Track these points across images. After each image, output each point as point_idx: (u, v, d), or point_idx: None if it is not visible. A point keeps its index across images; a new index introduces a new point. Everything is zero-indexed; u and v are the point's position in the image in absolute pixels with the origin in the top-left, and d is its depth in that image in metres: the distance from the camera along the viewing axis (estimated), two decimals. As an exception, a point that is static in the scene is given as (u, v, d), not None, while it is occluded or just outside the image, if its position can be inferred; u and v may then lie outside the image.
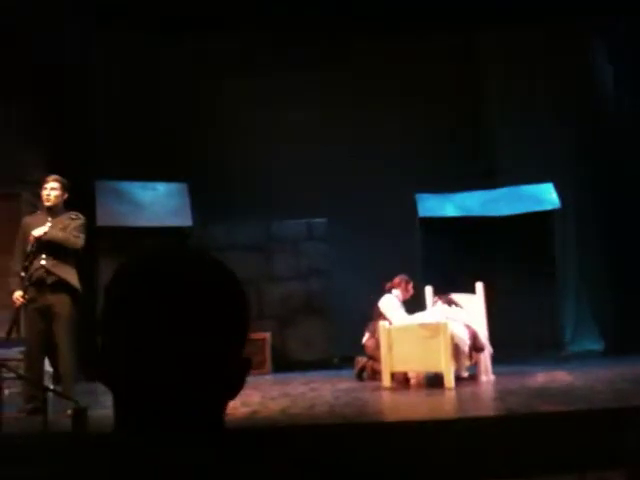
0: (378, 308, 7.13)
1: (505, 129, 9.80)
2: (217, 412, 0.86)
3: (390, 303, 7.11)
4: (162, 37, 9.03)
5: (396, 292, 7.23)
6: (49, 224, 5.40)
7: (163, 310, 0.83)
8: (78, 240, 5.44)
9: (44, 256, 5.32)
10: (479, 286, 6.90)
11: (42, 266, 5.31)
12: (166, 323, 0.83)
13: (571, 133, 9.54)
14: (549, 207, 9.19)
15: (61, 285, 5.31)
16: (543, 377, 6.49)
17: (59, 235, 5.38)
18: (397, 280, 7.30)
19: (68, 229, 5.43)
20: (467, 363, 6.57)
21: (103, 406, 5.41)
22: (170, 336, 0.82)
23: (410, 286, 7.36)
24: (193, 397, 0.83)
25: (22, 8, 7.81)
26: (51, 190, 5.49)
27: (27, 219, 5.67)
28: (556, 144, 9.52)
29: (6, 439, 3.76)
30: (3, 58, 7.80)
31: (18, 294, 5.33)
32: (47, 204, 5.48)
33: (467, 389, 6.08)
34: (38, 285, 5.29)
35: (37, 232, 5.33)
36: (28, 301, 5.30)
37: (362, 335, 7.31)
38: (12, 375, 5.02)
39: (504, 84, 9.83)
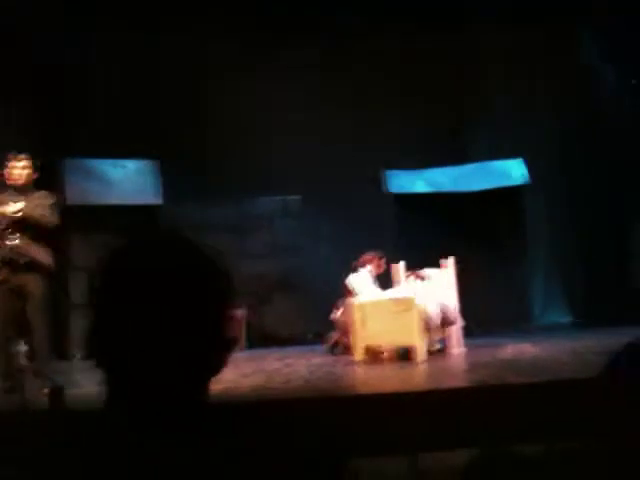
0: (346, 285, 7.23)
1: (479, 105, 9.80)
2: (201, 389, 0.90)
3: (357, 280, 7.19)
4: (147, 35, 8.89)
5: (368, 268, 7.31)
6: (22, 202, 5.32)
7: (149, 293, 0.87)
8: (53, 219, 5.39)
9: (16, 235, 5.26)
10: (450, 261, 7.00)
11: (15, 245, 5.25)
12: (152, 305, 0.86)
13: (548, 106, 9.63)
14: (519, 182, 9.31)
15: (34, 264, 5.27)
16: (512, 349, 6.63)
17: (35, 213, 5.32)
18: (368, 257, 7.37)
19: (40, 208, 5.37)
20: (439, 336, 6.68)
21: (77, 385, 5.42)
22: (156, 316, 0.85)
23: (382, 261, 7.44)
24: (179, 373, 0.87)
25: (22, 8, 7.67)
26: (22, 169, 5.40)
27: None
28: (529, 118, 9.59)
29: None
30: (3, 57, 7.67)
31: None
32: (18, 182, 5.38)
33: (438, 362, 6.19)
34: (10, 265, 5.24)
35: (12, 208, 5.25)
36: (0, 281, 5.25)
37: (331, 312, 7.40)
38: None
39: (482, 61, 9.82)
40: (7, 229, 5.23)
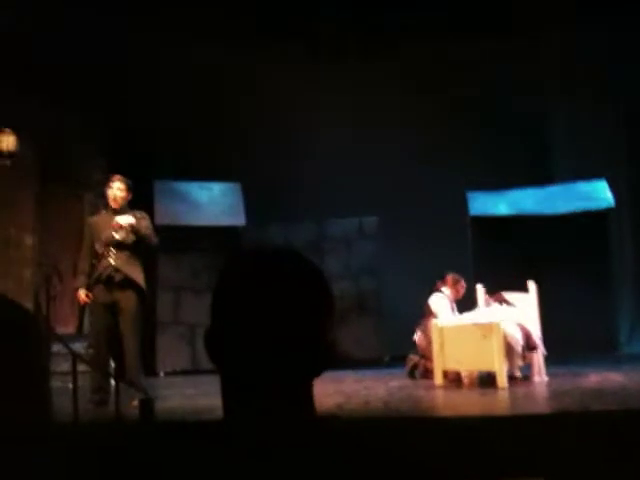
0: (429, 306, 7.19)
1: (560, 128, 9.70)
2: (308, 388, 0.99)
3: (439, 302, 7.15)
4: (220, 41, 9.23)
5: (446, 291, 7.27)
6: (128, 219, 5.57)
7: (266, 298, 0.97)
8: (155, 238, 5.66)
9: (113, 255, 5.52)
10: (532, 285, 6.88)
11: (111, 265, 5.51)
12: (268, 309, 0.96)
13: (629, 132, 9.40)
14: (604, 205, 9.08)
15: (128, 282, 5.51)
16: (596, 378, 6.45)
17: (144, 230, 5.57)
18: (448, 279, 7.33)
19: (144, 227, 5.62)
20: (520, 363, 6.56)
21: (165, 399, 5.64)
22: (271, 319, 0.96)
23: (460, 286, 7.36)
24: (289, 373, 0.96)
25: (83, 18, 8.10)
26: (117, 190, 5.66)
27: (93, 219, 5.86)
28: (613, 140, 9.39)
29: (83, 429, 3.97)
30: (57, 63, 8.08)
31: (82, 292, 5.54)
32: (114, 205, 5.65)
33: (520, 389, 6.08)
34: (106, 283, 5.50)
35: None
36: (95, 298, 5.52)
37: (413, 333, 7.36)
38: (85, 368, 5.27)
39: (562, 84, 9.72)
40: (109, 247, 5.50)
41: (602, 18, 9.01)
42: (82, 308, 5.80)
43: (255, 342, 0.96)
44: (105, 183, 5.87)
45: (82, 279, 5.61)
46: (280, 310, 0.97)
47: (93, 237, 5.62)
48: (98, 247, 5.55)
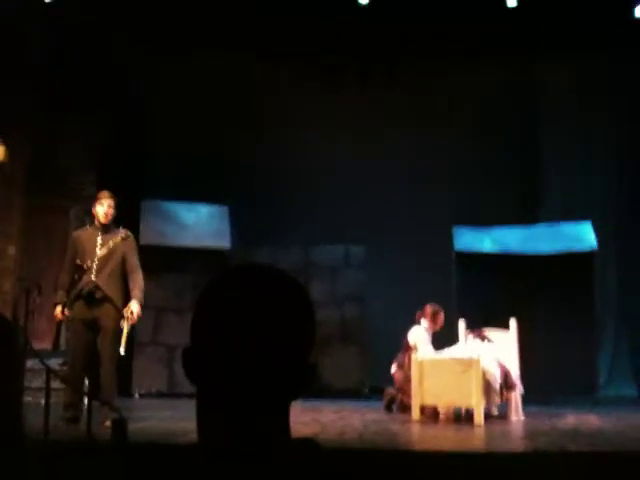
0: (407, 339, 7.16)
1: (550, 165, 9.81)
2: (284, 410, 0.99)
3: (417, 335, 7.12)
4: (214, 61, 9.29)
5: (424, 323, 7.22)
6: (113, 241, 5.56)
7: (248, 315, 0.96)
8: (141, 275, 5.64)
9: (95, 271, 5.49)
10: (512, 323, 6.90)
11: (92, 281, 5.48)
12: (249, 326, 0.95)
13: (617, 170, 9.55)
14: (588, 247, 9.15)
15: (108, 300, 5.48)
16: (573, 419, 6.45)
17: (130, 255, 5.60)
18: (427, 310, 7.28)
19: (125, 255, 5.59)
20: (497, 401, 6.55)
21: (139, 420, 5.57)
22: (252, 337, 0.95)
23: (439, 317, 7.30)
24: (268, 394, 0.95)
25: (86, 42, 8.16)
26: (108, 207, 5.63)
27: (77, 233, 5.80)
28: (598, 181, 9.52)
29: (53, 447, 3.91)
30: (50, 74, 8.11)
31: (59, 309, 5.48)
32: (104, 221, 5.62)
33: (496, 427, 6.08)
34: (86, 299, 5.46)
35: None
36: (74, 314, 5.47)
37: (391, 365, 7.34)
38: (58, 385, 5.20)
39: (551, 124, 9.86)
40: (92, 263, 5.47)
41: (595, 56, 9.18)
42: (58, 324, 5.73)
43: (234, 360, 0.95)
44: (94, 199, 5.81)
45: (60, 294, 5.55)
46: (261, 327, 0.96)
47: (77, 252, 5.57)
48: (81, 262, 5.50)
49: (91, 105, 8.33)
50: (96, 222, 5.67)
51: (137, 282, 5.58)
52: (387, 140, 9.54)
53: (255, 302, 0.97)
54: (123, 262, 5.58)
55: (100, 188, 8.65)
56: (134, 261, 5.64)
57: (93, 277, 5.47)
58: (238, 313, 0.96)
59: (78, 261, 5.53)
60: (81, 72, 8.23)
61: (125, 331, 5.46)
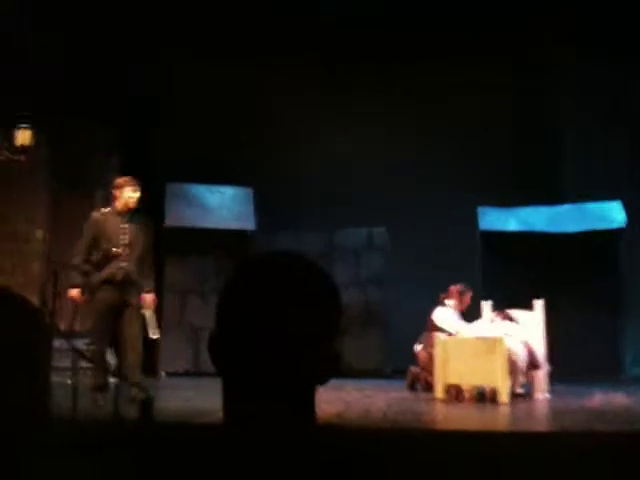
0: (432, 320, 7.15)
1: (573, 145, 9.70)
2: (310, 396, 0.99)
3: (445, 315, 7.11)
4: (232, 54, 9.28)
5: (450, 303, 7.21)
6: (135, 230, 5.62)
7: (273, 303, 0.96)
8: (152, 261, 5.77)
9: (126, 257, 5.54)
10: (539, 303, 6.85)
11: (123, 268, 5.52)
12: (275, 314, 0.95)
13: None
14: (616, 226, 9.03)
15: (136, 284, 5.56)
16: (600, 398, 6.40)
17: (147, 245, 5.70)
18: (452, 290, 7.27)
19: (145, 243, 5.66)
20: (522, 380, 6.54)
21: (165, 399, 5.65)
22: (277, 325, 0.95)
23: (466, 297, 7.31)
24: (292, 380, 0.95)
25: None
26: (134, 195, 5.63)
27: (97, 217, 5.69)
28: (625, 161, 9.38)
29: (82, 426, 3.98)
30: (73, 62, 8.16)
31: (78, 293, 5.49)
32: (131, 207, 5.62)
33: (521, 405, 6.06)
34: (117, 284, 5.51)
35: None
36: (102, 298, 5.48)
37: (414, 345, 7.34)
38: (85, 365, 5.29)
39: (575, 100, 9.73)
40: (121, 249, 5.53)
41: (613, 44, 9.02)
42: (76, 307, 5.77)
43: (259, 347, 0.95)
44: (117, 183, 5.76)
45: (80, 278, 5.55)
46: (287, 316, 0.96)
47: (99, 236, 5.56)
48: (108, 248, 5.52)
49: (114, 90, 8.38)
50: (118, 207, 5.64)
51: (151, 270, 5.72)
52: (412, 123, 9.48)
53: (280, 290, 0.97)
54: (142, 249, 5.64)
55: (124, 171, 8.76)
56: (150, 249, 5.73)
57: (124, 264, 5.52)
58: (263, 301, 0.96)
59: (103, 245, 5.55)
60: (104, 62, 8.27)
61: (149, 316, 5.54)
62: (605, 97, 9.53)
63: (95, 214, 5.73)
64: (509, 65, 9.52)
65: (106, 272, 5.49)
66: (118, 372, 5.82)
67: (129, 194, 5.60)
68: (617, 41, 8.80)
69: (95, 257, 5.55)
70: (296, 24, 8.76)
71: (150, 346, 6.22)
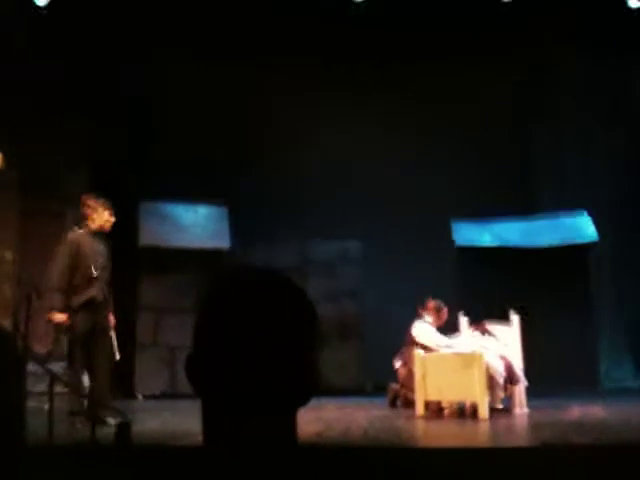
0: (411, 335, 7.13)
1: (547, 158, 9.80)
2: (292, 417, 0.96)
3: (425, 329, 7.09)
4: (213, 60, 9.23)
5: (428, 318, 7.20)
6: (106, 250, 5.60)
7: (250, 321, 0.94)
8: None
9: (101, 281, 5.56)
10: (514, 316, 6.89)
11: (101, 290, 5.53)
12: (252, 333, 0.93)
13: (616, 163, 9.54)
14: (587, 240, 9.15)
15: (107, 307, 5.51)
16: (577, 411, 6.44)
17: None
18: (430, 305, 7.25)
19: (109, 263, 5.70)
20: (501, 395, 6.54)
21: (142, 422, 5.55)
22: (255, 344, 0.93)
23: (443, 313, 7.30)
24: (273, 401, 0.93)
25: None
26: (112, 218, 5.64)
27: (76, 238, 5.61)
28: (596, 174, 9.51)
29: (58, 450, 3.89)
30: (57, 83, 8.08)
31: (62, 317, 5.39)
32: (106, 230, 5.63)
33: (501, 420, 6.06)
34: (94, 307, 5.46)
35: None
36: (83, 321, 5.42)
37: (394, 361, 7.32)
38: (62, 389, 5.19)
39: (547, 115, 9.84)
40: (101, 274, 5.51)
41: (589, 52, 9.17)
42: (56, 329, 5.67)
43: (237, 366, 0.93)
44: (92, 204, 5.68)
45: (62, 299, 5.44)
46: (264, 334, 0.94)
47: (78, 257, 5.48)
48: (87, 270, 5.47)
49: (87, 107, 8.29)
50: (92, 228, 5.59)
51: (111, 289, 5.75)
52: (384, 135, 9.49)
53: (255, 307, 0.95)
54: (110, 269, 5.68)
55: (97, 191, 8.65)
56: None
57: (101, 286, 5.49)
58: (238, 318, 0.95)
59: (82, 267, 5.46)
60: (76, 73, 8.19)
61: (114, 337, 5.55)
62: (577, 109, 9.65)
63: (71, 235, 5.63)
64: (481, 80, 9.60)
65: (86, 295, 5.43)
66: (91, 395, 5.71)
67: (106, 218, 5.59)
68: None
69: (75, 279, 5.45)
70: (291, 24, 8.71)
71: (124, 368, 6.14)
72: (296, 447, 0.96)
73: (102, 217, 5.57)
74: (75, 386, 5.33)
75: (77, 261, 5.48)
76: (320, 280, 9.11)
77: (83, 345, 5.42)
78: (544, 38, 9.11)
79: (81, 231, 5.66)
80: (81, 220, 5.68)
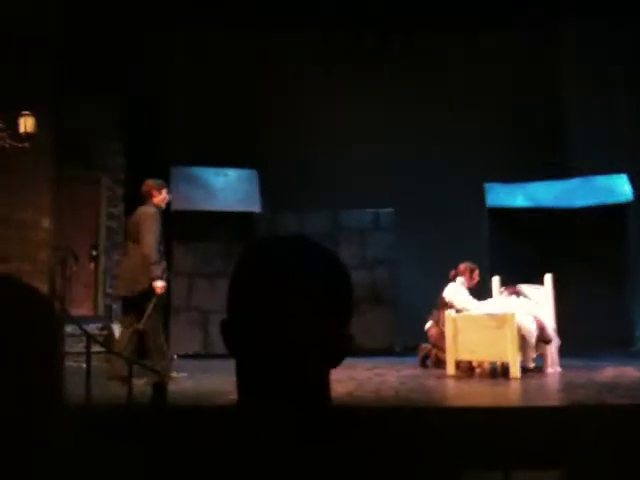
0: (443, 297, 7.14)
1: (579, 119, 9.60)
2: (323, 379, 0.98)
3: (457, 291, 7.11)
4: (234, 30, 9.18)
5: (460, 280, 7.22)
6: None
7: (281, 288, 0.95)
8: None
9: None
10: (547, 278, 6.83)
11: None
12: (286, 298, 0.94)
13: None
14: (623, 199, 8.97)
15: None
16: (611, 372, 6.40)
17: None
18: (462, 267, 7.27)
19: None
20: (533, 354, 6.54)
21: (177, 381, 5.67)
22: (289, 309, 0.94)
23: (475, 274, 7.32)
24: (303, 363, 0.94)
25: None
26: (168, 194, 6.31)
27: (157, 213, 6.11)
28: (631, 134, 9.28)
29: (95, 410, 3.99)
30: (76, 47, 8.08)
31: (163, 285, 5.85)
32: (163, 207, 6.22)
33: (533, 380, 6.06)
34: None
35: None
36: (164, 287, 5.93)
37: (425, 323, 7.34)
38: (100, 349, 5.33)
39: (580, 73, 9.61)
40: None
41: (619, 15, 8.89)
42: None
43: (271, 332, 0.94)
44: (158, 184, 6.23)
45: (160, 270, 5.87)
46: (298, 299, 0.95)
47: (160, 232, 5.99)
48: (164, 243, 6.06)
49: (117, 74, 8.30)
50: (159, 205, 6.13)
51: None
52: (416, 102, 9.36)
53: (289, 273, 0.96)
54: None
55: (128, 157, 8.73)
56: None
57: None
58: (273, 285, 0.95)
59: (161, 239, 5.95)
60: (105, 43, 8.19)
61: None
62: (611, 71, 9.40)
63: (152, 210, 6.10)
64: (511, 38, 9.38)
65: (164, 264, 5.97)
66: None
67: (164, 196, 6.20)
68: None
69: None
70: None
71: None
72: (329, 407, 0.98)
73: (163, 196, 6.17)
74: (160, 347, 5.75)
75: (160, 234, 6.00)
76: (352, 247, 9.09)
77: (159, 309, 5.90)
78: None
79: (153, 207, 6.14)
80: (146, 199, 6.16)
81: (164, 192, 6.20)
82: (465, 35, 9.28)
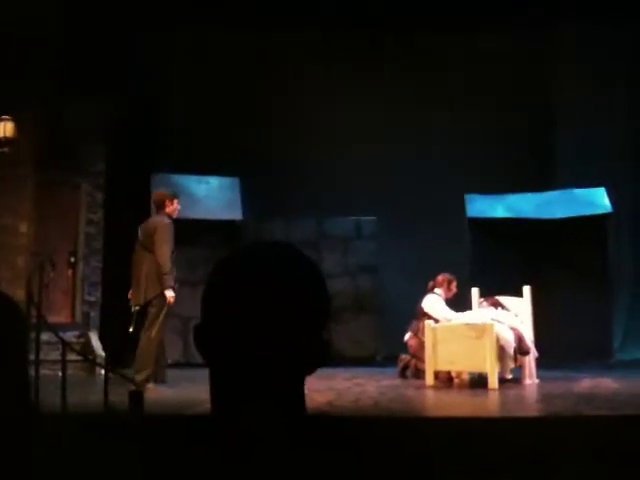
0: (421, 308, 7.18)
1: (569, 125, 9.66)
2: (299, 385, 0.98)
3: (434, 303, 7.15)
4: (234, 30, 9.15)
5: (438, 291, 7.27)
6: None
7: (259, 293, 0.94)
8: None
9: None
10: (526, 290, 6.87)
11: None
12: (261, 304, 0.94)
13: (633, 136, 9.40)
14: (602, 211, 9.06)
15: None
16: (588, 383, 6.44)
17: None
18: (440, 279, 7.33)
19: None
20: (511, 365, 6.57)
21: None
22: (264, 315, 0.93)
23: (453, 285, 7.37)
24: (279, 369, 0.94)
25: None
26: (178, 204, 6.44)
27: (171, 223, 6.27)
28: (614, 147, 9.39)
29: (70, 418, 3.95)
30: (58, 49, 8.02)
31: (173, 295, 6.01)
32: (174, 216, 6.36)
33: (511, 391, 6.09)
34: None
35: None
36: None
37: (404, 334, 7.37)
38: (75, 357, 5.28)
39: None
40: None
41: (604, 20, 9.00)
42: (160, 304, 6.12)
43: (246, 338, 0.93)
44: (171, 194, 6.46)
45: (172, 280, 6.07)
46: (274, 305, 0.94)
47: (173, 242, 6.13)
48: (175, 252, 6.18)
49: (100, 79, 8.26)
50: (170, 215, 6.28)
51: None
52: (398, 110, 9.40)
53: (267, 279, 0.96)
54: None
55: (110, 163, 8.67)
56: None
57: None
58: (249, 290, 0.95)
59: (173, 249, 6.12)
60: (90, 47, 8.14)
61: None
62: (594, 83, 9.49)
63: (166, 220, 6.29)
64: (496, 51, 9.45)
65: (174, 273, 6.13)
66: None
67: (175, 205, 6.38)
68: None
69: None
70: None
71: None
72: (304, 415, 0.97)
73: (175, 205, 6.35)
74: (153, 356, 5.92)
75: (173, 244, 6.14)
76: (335, 255, 9.11)
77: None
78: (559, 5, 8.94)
79: (167, 217, 6.30)
80: (158, 209, 6.38)
81: (176, 202, 6.37)
82: (465, 35, 9.33)
